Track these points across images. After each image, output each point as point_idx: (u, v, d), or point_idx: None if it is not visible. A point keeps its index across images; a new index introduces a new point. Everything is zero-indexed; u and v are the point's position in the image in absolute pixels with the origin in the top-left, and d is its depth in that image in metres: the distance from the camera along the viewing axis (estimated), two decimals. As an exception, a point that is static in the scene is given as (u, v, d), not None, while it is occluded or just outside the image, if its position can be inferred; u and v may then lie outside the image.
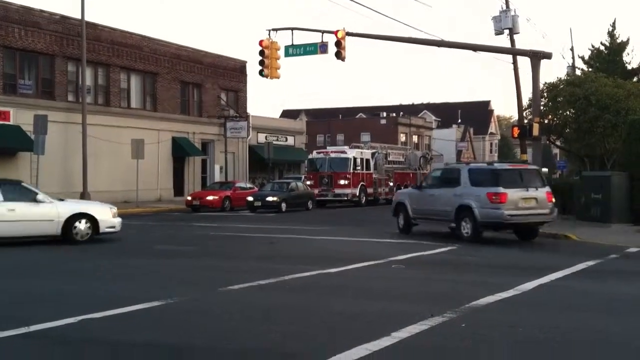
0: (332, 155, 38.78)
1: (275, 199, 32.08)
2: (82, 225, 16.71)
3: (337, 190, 37.54)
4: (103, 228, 17.11)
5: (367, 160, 39.95)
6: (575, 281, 11.67)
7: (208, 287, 10.62)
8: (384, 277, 11.96)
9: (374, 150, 41.86)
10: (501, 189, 17.16)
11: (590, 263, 13.87)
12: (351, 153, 38.75)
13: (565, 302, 9.87)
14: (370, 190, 39.75)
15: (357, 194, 38.04)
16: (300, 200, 34.32)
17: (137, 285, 10.87)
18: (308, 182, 38.38)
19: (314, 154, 40.30)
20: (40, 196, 16.41)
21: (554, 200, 18.35)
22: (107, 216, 17.27)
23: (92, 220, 16.88)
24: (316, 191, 37.17)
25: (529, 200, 17.64)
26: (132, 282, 11.23)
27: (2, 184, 16.68)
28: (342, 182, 37.43)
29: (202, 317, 8.49)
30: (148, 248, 16.64)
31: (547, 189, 18.28)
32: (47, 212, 16.33)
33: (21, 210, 15.98)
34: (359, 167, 38.39)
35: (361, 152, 39.99)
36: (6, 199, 15.86)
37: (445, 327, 7.93)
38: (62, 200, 17.69)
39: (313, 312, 8.86)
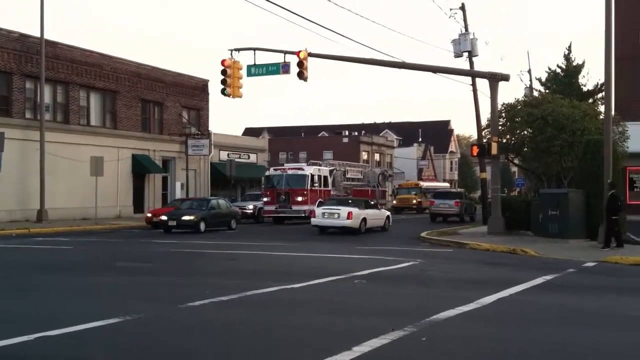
0: (290, 172, 38.53)
1: (192, 217, 28.75)
2: None
3: (295, 207, 37.23)
4: None
5: (325, 177, 39.96)
6: (534, 295, 11.84)
7: (168, 303, 10.49)
8: (346, 292, 11.97)
9: (332, 168, 41.67)
10: None
11: (549, 277, 14.10)
12: (308, 170, 38.75)
13: (524, 315, 10.01)
14: None
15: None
16: (223, 219, 30.90)
17: (96, 302, 10.68)
18: (265, 199, 38.06)
19: (271, 171, 39.86)
20: None
21: None
22: None
23: None
24: (273, 208, 37.25)
25: None
26: (91, 299, 11.04)
27: None
28: (299, 198, 37.19)
29: (162, 334, 8.39)
30: (107, 265, 16.39)
31: None
32: None
33: None
34: (316, 184, 38.31)
35: (319, 169, 40.02)
36: None
37: (406, 340, 7.97)
38: None
39: (275, 327, 8.83)
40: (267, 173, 40.14)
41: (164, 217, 29.06)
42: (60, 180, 34.08)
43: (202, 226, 28.91)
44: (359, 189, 44.45)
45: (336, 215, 27.93)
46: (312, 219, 28.87)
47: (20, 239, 24.35)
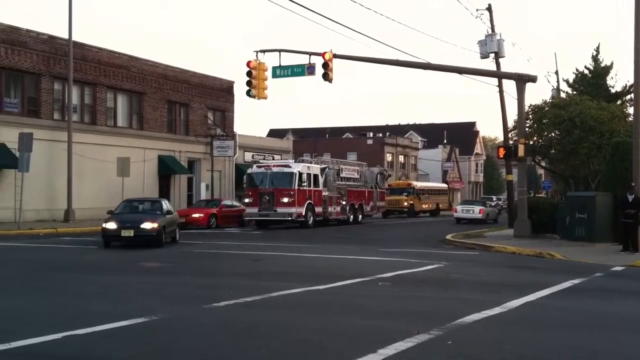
0: (274, 169, 34.42)
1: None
2: None
3: (280, 209, 33.12)
4: None
5: (316, 176, 35.62)
6: (561, 299, 11.69)
7: (193, 304, 10.54)
8: (371, 294, 11.92)
9: (324, 166, 37.62)
10: None
11: (576, 281, 13.92)
12: (296, 167, 34.23)
13: (551, 319, 9.88)
14: (319, 210, 35.47)
15: (304, 214, 33.82)
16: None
17: (121, 302, 10.76)
18: (246, 200, 34.58)
19: (254, 169, 35.53)
20: None
21: None
22: None
23: None
24: (255, 210, 33.53)
25: None
26: (116, 299, 11.12)
27: None
28: (285, 199, 33.09)
29: (186, 334, 8.42)
30: (133, 265, 16.52)
31: None
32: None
33: None
34: (305, 183, 33.99)
35: (308, 167, 35.43)
36: None
37: (431, 344, 7.91)
38: None
39: (299, 329, 8.81)
40: (249, 171, 35.84)
41: (110, 226, 20.71)
42: (87, 181, 34.46)
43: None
44: (354, 190, 40.30)
45: (471, 211, 42.01)
46: (455, 214, 42.49)
47: (47, 238, 24.65)
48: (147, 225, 20.42)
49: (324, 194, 36.05)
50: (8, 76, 32.32)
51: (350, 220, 39.03)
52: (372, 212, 43.40)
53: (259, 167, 35.70)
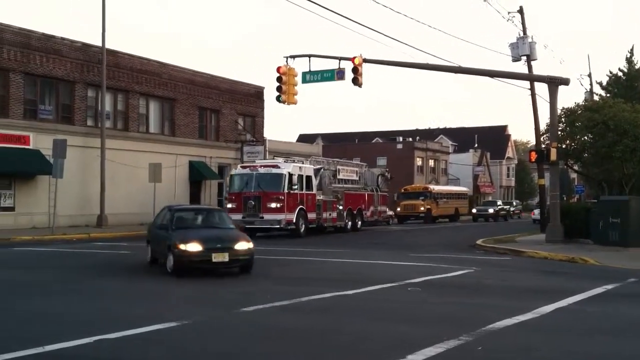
0: (261, 170, 30.03)
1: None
2: None
3: (267, 216, 28.86)
4: None
5: (309, 178, 31.30)
6: (594, 305, 11.52)
7: (223, 308, 10.61)
8: (401, 299, 11.88)
9: (319, 166, 33.37)
10: None
11: (609, 287, 13.71)
12: (286, 168, 29.89)
13: (583, 325, 9.75)
14: (312, 216, 31.20)
15: (294, 220, 29.63)
16: None
17: (152, 306, 10.88)
18: (229, 205, 29.86)
19: (238, 169, 31.45)
20: None
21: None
22: None
23: None
24: (239, 217, 28.29)
25: None
26: (147, 303, 11.25)
27: None
28: (273, 205, 28.90)
29: (217, 339, 8.48)
30: (162, 269, 16.66)
31: None
32: None
33: None
34: (296, 186, 29.77)
35: (300, 168, 30.97)
36: None
37: (461, 350, 7.85)
38: None
39: (328, 333, 8.82)
40: (232, 172, 31.96)
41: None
42: (119, 187, 34.88)
43: None
44: (352, 193, 35.91)
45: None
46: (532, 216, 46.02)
47: (80, 243, 25.00)
48: (242, 246, 14.90)
49: (318, 197, 31.84)
50: (43, 83, 32.91)
51: (348, 227, 34.95)
52: (372, 218, 38.33)
53: (243, 167, 31.70)
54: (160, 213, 17.88)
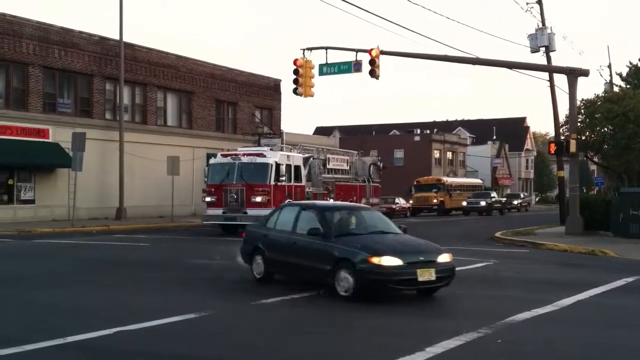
0: (245, 159, 26.57)
1: None
2: None
3: (252, 211, 24.96)
4: None
5: (298, 168, 28.10)
6: (614, 297, 11.43)
7: (240, 300, 10.64)
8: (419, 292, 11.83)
9: (308, 155, 30.06)
10: None
11: (630, 279, 13.58)
12: (272, 157, 26.55)
13: (603, 318, 9.67)
14: None
15: None
16: None
17: (171, 298, 10.93)
18: (208, 199, 26.78)
19: (218, 158, 27.55)
20: None
21: None
22: None
23: None
24: (219, 212, 26.19)
25: None
26: (166, 295, 11.30)
27: None
28: (258, 199, 25.54)
29: (235, 330, 8.51)
30: (183, 261, 16.76)
31: None
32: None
33: None
34: (284, 178, 26.48)
35: (288, 157, 27.69)
36: None
37: (481, 342, 7.82)
38: None
39: (346, 326, 8.83)
40: (211, 161, 28.09)
41: None
42: (138, 179, 35.09)
43: None
44: (343, 184, 32.86)
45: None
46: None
47: (100, 235, 25.18)
48: (444, 259, 11.36)
49: (307, 190, 28.73)
50: (61, 77, 33.13)
51: None
52: None
53: (224, 155, 27.81)
54: (277, 212, 13.63)
